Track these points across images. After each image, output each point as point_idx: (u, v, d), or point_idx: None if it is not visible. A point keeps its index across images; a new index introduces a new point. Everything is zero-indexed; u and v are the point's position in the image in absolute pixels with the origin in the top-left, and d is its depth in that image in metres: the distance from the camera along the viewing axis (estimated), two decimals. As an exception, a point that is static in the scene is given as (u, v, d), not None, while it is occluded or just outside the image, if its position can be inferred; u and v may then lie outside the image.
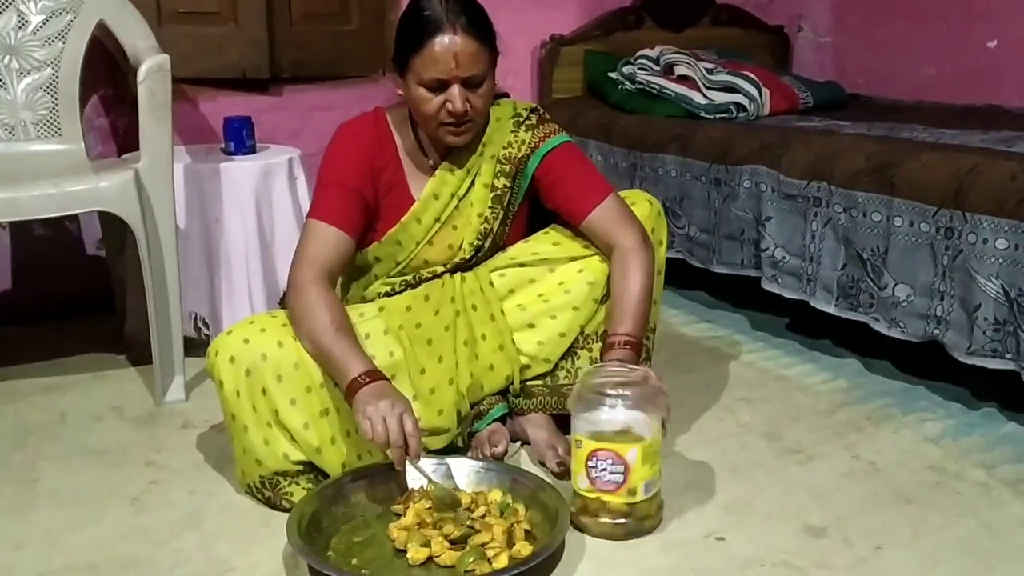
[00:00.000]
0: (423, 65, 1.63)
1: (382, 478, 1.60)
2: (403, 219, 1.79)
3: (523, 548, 1.43)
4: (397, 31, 1.69)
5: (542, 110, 1.87)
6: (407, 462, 1.53)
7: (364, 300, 1.85)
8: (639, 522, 1.53)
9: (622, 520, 1.53)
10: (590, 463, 1.52)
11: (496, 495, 1.57)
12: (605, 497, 1.52)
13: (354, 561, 1.45)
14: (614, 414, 1.52)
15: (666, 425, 1.59)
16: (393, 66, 1.71)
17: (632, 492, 1.50)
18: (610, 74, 3.28)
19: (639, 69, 3.19)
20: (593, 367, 1.64)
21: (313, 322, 1.58)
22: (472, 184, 1.81)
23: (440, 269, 1.84)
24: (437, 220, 1.80)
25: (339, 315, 1.60)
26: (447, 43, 1.61)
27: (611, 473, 1.50)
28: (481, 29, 1.65)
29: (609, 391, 1.53)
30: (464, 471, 1.64)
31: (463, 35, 1.62)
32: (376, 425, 1.47)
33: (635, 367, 1.60)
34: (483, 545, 1.43)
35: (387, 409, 1.48)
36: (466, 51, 1.62)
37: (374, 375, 1.54)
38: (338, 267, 1.70)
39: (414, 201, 1.80)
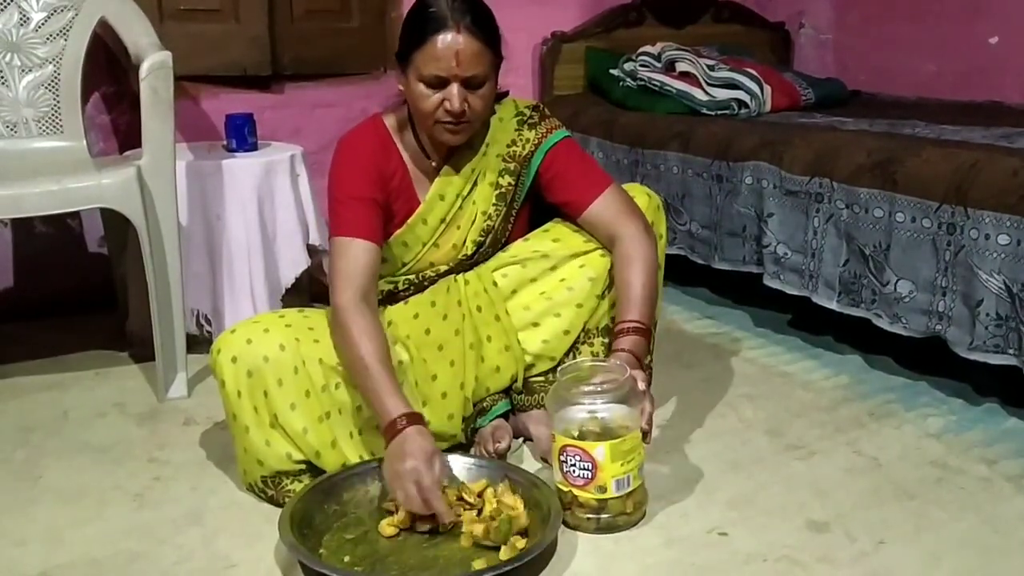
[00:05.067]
0: (424, 61, 1.63)
1: (374, 475, 1.60)
2: (409, 220, 1.79)
3: (516, 542, 1.44)
4: (403, 26, 1.69)
5: (542, 107, 1.87)
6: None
7: None
8: (612, 518, 1.54)
9: (594, 515, 1.54)
10: (562, 458, 1.53)
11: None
12: (576, 491, 1.53)
13: (346, 558, 1.46)
14: (584, 411, 1.53)
15: (648, 436, 1.57)
16: (396, 61, 1.71)
17: (602, 488, 1.51)
18: (611, 71, 3.28)
19: (640, 66, 3.19)
20: (568, 363, 1.63)
21: (352, 357, 1.59)
22: (476, 183, 1.81)
23: (444, 268, 1.84)
24: (443, 221, 1.80)
25: (377, 345, 1.59)
26: (449, 41, 1.61)
27: (580, 469, 1.51)
28: (485, 31, 1.64)
29: (584, 388, 1.54)
30: (457, 468, 1.64)
31: (466, 34, 1.61)
32: (409, 493, 1.48)
33: (623, 365, 1.58)
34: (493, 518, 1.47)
35: (408, 478, 1.48)
36: (468, 50, 1.61)
37: (409, 419, 1.53)
38: (373, 279, 1.69)
39: (420, 203, 1.80)
